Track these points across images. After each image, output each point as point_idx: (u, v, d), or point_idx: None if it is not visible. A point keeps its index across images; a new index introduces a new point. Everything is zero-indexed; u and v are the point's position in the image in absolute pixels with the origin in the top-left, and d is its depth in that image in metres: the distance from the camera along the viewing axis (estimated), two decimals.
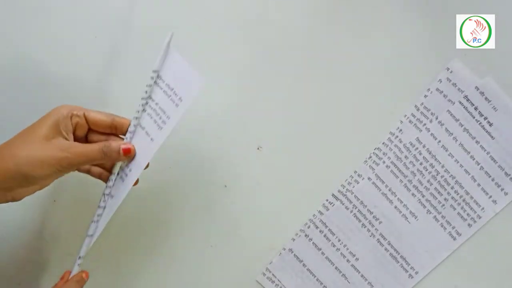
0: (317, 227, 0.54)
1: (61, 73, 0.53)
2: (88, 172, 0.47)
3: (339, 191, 0.54)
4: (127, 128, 0.45)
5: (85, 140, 0.46)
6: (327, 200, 0.54)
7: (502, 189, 0.53)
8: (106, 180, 0.46)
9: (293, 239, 0.54)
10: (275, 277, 0.54)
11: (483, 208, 0.53)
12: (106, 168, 0.47)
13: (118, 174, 0.46)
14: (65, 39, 0.53)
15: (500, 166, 0.53)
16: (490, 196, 0.53)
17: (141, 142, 0.45)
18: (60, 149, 0.42)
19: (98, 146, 0.43)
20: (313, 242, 0.54)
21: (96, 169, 0.47)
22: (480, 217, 0.53)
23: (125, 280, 0.54)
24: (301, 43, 0.54)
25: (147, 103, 0.46)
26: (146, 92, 0.45)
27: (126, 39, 0.53)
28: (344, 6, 0.53)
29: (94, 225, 0.45)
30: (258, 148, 0.54)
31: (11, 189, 0.42)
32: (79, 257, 0.45)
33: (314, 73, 0.54)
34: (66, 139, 0.43)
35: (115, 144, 0.44)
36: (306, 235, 0.54)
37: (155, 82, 0.45)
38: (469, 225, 0.53)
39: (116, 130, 0.46)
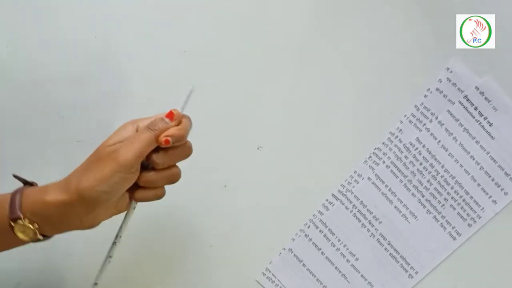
0: (317, 227, 0.54)
1: (61, 73, 0.53)
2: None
3: (339, 191, 0.54)
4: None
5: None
6: (327, 200, 0.54)
7: (502, 189, 0.53)
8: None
9: (293, 239, 0.54)
10: (275, 277, 0.54)
11: (483, 208, 0.53)
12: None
13: None
14: (65, 39, 0.53)
15: (500, 166, 0.53)
16: (490, 196, 0.53)
17: None
18: (109, 155, 0.39)
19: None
20: (313, 242, 0.54)
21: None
22: (480, 217, 0.53)
23: (124, 280, 0.54)
24: (300, 43, 0.54)
25: None
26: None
27: (126, 39, 0.53)
28: (344, 6, 0.53)
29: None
30: (258, 148, 0.54)
31: (79, 216, 0.39)
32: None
33: (314, 73, 0.54)
34: None
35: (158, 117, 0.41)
36: (306, 235, 0.54)
37: None
38: (469, 225, 0.53)
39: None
